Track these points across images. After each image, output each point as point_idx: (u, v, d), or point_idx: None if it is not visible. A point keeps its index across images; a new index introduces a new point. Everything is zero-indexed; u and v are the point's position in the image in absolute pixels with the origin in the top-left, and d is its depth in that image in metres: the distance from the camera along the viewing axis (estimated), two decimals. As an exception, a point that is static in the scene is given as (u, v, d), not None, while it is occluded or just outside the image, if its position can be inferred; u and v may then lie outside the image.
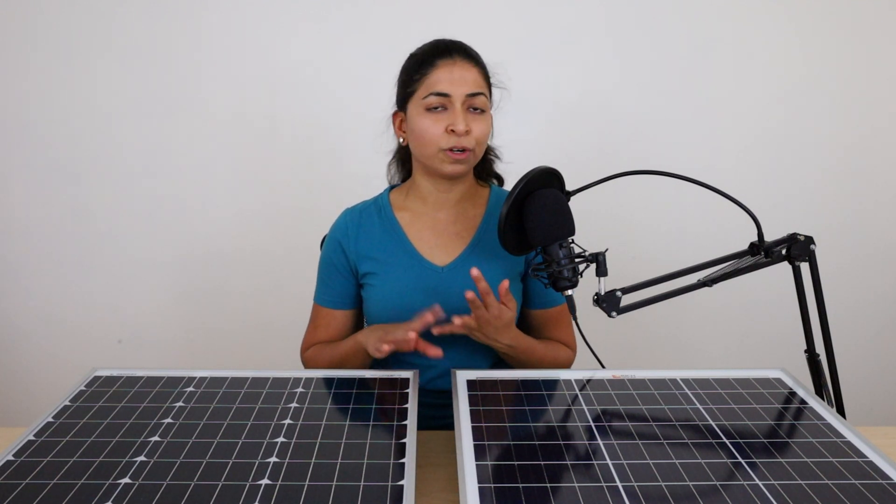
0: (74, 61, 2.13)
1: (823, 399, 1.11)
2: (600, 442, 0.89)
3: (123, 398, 1.02)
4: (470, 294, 1.09)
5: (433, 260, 1.29)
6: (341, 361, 1.27)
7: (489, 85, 1.26)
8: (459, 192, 1.31)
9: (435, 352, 1.11)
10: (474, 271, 1.10)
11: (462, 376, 1.09)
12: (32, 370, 2.34)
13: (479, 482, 0.80)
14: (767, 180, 2.21)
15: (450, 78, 1.19)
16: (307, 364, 1.35)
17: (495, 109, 1.31)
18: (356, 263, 1.31)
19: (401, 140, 1.30)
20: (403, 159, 1.38)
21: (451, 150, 1.19)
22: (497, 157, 1.40)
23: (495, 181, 1.41)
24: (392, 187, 1.39)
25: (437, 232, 1.31)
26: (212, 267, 2.27)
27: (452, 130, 1.18)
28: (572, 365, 1.36)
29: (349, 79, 2.14)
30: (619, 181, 1.11)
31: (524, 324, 1.38)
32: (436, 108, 1.19)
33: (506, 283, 1.11)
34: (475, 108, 1.20)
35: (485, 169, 1.38)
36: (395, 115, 1.30)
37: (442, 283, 1.26)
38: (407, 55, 1.27)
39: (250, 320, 2.29)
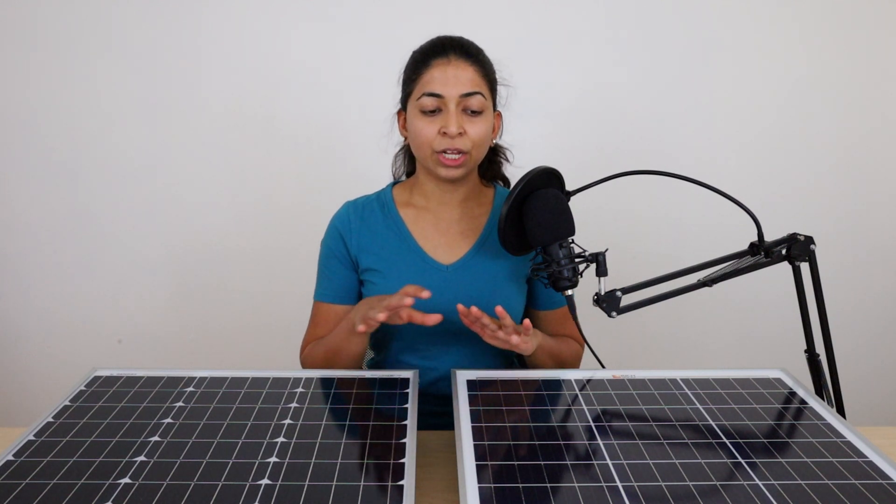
0: (74, 61, 2.13)
1: (823, 399, 1.11)
2: (600, 442, 0.89)
3: (123, 398, 1.02)
4: (474, 310, 1.07)
5: (437, 258, 1.28)
6: (337, 348, 1.22)
7: (490, 83, 1.22)
8: (463, 191, 1.29)
9: (434, 318, 1.06)
10: (460, 307, 1.08)
11: (462, 376, 1.09)
12: (32, 370, 2.34)
13: (479, 482, 0.79)
14: (767, 180, 2.21)
15: (443, 78, 1.16)
16: (305, 363, 1.31)
17: (503, 107, 1.29)
18: (357, 256, 1.29)
19: (404, 139, 1.29)
20: (411, 154, 1.36)
21: (444, 153, 1.17)
22: (506, 159, 1.38)
23: (500, 182, 1.40)
24: (394, 183, 1.38)
25: (442, 230, 1.29)
26: (212, 267, 2.27)
27: (445, 132, 1.16)
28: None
29: (349, 77, 2.14)
30: (619, 181, 1.11)
31: (531, 323, 1.38)
32: (431, 109, 1.17)
33: (499, 309, 1.08)
34: (471, 110, 1.17)
35: (490, 170, 1.37)
36: (398, 113, 1.29)
37: (447, 282, 1.25)
38: (409, 53, 1.25)
39: (250, 320, 2.29)
